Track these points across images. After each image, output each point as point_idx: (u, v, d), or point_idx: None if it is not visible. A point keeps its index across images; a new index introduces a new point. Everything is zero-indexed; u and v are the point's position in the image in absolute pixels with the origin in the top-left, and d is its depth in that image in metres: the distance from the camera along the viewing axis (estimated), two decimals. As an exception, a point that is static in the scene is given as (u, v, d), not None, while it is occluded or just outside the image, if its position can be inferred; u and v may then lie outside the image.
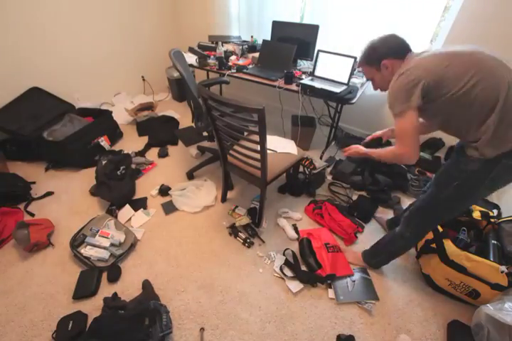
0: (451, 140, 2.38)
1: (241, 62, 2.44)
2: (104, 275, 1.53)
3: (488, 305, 1.21)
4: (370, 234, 1.82)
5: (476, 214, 1.59)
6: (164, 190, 2.04)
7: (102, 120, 2.48)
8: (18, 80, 2.30)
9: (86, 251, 1.57)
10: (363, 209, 1.94)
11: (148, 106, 2.99)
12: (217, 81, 2.23)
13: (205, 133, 2.14)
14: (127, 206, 1.93)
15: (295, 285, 1.50)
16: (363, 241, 1.77)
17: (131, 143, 2.64)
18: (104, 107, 2.91)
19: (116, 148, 2.51)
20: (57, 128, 2.35)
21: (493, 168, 1.00)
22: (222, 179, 1.89)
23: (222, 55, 2.38)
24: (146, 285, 1.46)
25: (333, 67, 2.14)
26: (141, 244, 1.71)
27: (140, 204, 1.98)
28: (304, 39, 2.33)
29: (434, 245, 1.50)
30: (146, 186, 2.14)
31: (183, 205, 1.93)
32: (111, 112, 2.59)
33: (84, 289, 1.44)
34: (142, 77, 3.26)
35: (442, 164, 2.39)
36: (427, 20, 1.91)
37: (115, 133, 2.62)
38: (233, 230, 1.77)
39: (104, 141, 2.40)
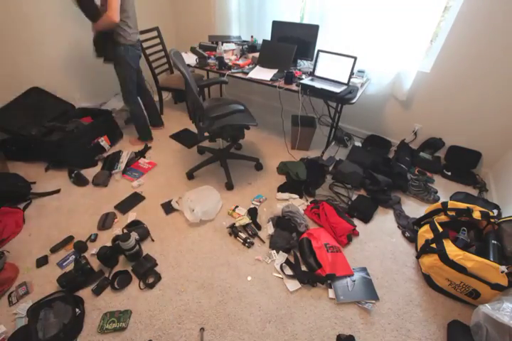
0: (451, 140, 2.38)
1: (241, 62, 2.44)
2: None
3: (486, 305, 1.21)
4: (370, 234, 1.82)
5: (476, 214, 1.58)
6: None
7: (102, 120, 2.47)
8: (18, 80, 2.30)
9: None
10: (363, 209, 1.94)
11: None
12: (216, 81, 2.22)
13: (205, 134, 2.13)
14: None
15: (293, 285, 1.51)
16: (364, 241, 1.77)
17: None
18: (104, 107, 2.90)
19: (117, 148, 2.51)
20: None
21: None
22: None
23: (223, 55, 2.38)
24: None
25: (333, 67, 2.14)
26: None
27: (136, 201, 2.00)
28: (304, 39, 2.33)
29: (434, 245, 1.50)
30: (146, 185, 2.15)
31: (197, 219, 1.84)
32: (111, 112, 2.59)
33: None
34: (142, 77, 3.25)
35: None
36: (427, 20, 1.90)
37: (115, 133, 2.62)
38: (233, 230, 1.77)
39: (104, 141, 2.40)
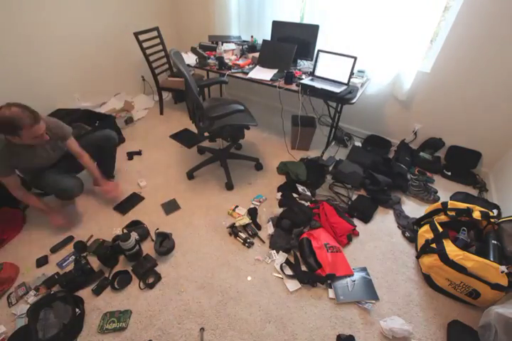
0: (451, 140, 2.38)
1: (241, 62, 2.44)
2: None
3: (501, 305, 1.21)
4: (370, 234, 1.82)
5: (476, 214, 1.58)
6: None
7: (103, 126, 2.42)
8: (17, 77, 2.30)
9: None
10: (363, 209, 1.94)
11: (127, 108, 2.94)
12: (215, 81, 2.22)
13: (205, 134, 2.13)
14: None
15: (293, 285, 1.51)
16: (364, 241, 1.77)
17: (133, 144, 2.64)
18: (104, 107, 2.90)
19: (118, 151, 2.48)
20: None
21: None
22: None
23: (223, 55, 2.38)
24: None
25: (333, 67, 2.14)
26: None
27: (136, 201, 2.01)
28: (304, 39, 2.33)
29: (434, 245, 1.50)
30: (146, 185, 2.15)
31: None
32: (114, 118, 2.58)
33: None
34: (142, 76, 3.25)
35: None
36: (427, 20, 1.90)
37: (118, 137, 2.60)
38: (233, 230, 1.77)
39: None
